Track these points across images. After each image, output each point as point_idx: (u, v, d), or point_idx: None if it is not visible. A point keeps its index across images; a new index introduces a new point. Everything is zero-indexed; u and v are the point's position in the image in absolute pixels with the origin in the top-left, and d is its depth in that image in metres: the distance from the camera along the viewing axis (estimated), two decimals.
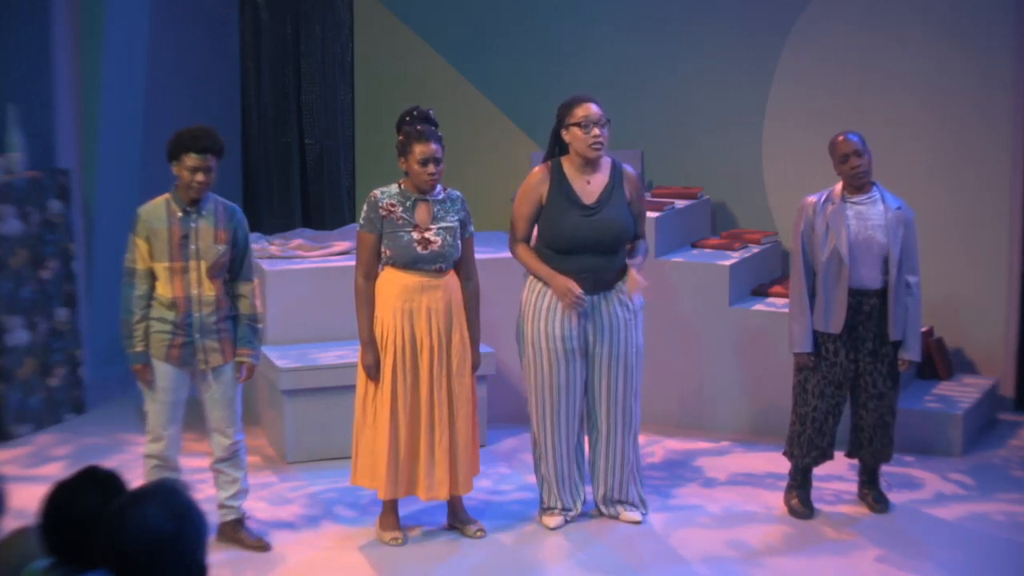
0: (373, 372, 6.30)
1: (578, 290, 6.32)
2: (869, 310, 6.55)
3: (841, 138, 6.58)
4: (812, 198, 6.62)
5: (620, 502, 6.65)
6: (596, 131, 6.35)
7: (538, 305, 6.42)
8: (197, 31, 9.45)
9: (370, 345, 6.30)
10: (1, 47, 8.21)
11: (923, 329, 8.07)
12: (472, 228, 6.45)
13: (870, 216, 6.54)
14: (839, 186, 6.60)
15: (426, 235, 6.26)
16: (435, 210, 6.31)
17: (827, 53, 8.48)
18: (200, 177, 6.09)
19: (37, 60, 8.24)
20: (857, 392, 6.66)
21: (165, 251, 6.11)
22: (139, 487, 3.25)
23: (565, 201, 6.39)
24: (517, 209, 6.47)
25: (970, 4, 8.16)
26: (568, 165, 6.45)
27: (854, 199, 6.56)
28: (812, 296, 6.58)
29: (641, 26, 8.91)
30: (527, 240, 6.49)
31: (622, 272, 6.48)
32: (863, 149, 6.52)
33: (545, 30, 9.14)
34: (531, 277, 6.47)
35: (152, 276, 6.15)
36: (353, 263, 7.89)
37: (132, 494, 3.17)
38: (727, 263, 7.98)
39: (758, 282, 8.23)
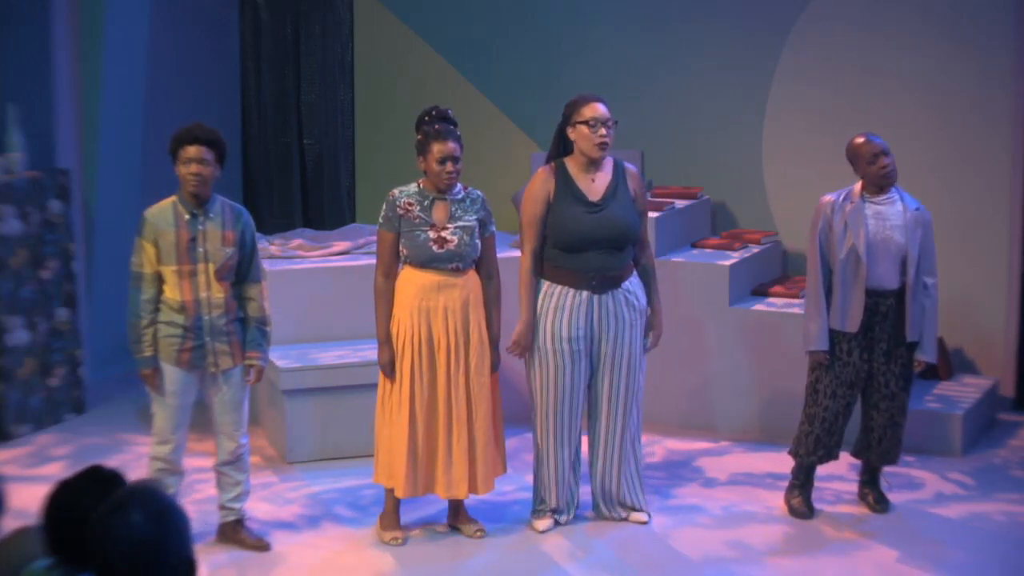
0: (388, 371, 6.31)
1: (522, 348, 6.39)
2: (885, 311, 6.53)
3: (863, 140, 6.54)
4: (830, 197, 6.60)
5: (622, 503, 6.65)
6: (603, 131, 6.36)
7: (545, 305, 6.42)
8: (197, 31, 9.45)
9: (386, 344, 6.32)
10: (1, 47, 8.21)
11: None
12: (493, 227, 6.45)
13: (889, 216, 6.52)
14: (858, 186, 6.57)
15: (442, 234, 6.27)
16: (453, 209, 6.32)
17: (827, 53, 8.48)
18: (194, 168, 6.05)
19: (37, 60, 8.24)
20: (869, 393, 6.65)
21: (173, 254, 6.08)
22: (116, 494, 3.23)
23: (571, 199, 6.39)
24: (525, 214, 6.46)
25: (970, 4, 8.16)
26: (572, 165, 6.46)
27: (874, 199, 6.54)
28: (828, 295, 6.57)
29: (641, 26, 8.92)
30: (538, 250, 6.44)
31: (630, 269, 6.49)
32: (888, 149, 6.51)
33: (545, 30, 9.14)
34: (541, 280, 6.46)
35: (159, 279, 6.11)
36: (353, 263, 7.97)
37: (111, 502, 3.17)
38: (727, 263, 7.98)
39: (758, 282, 8.23)
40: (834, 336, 6.56)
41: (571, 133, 6.42)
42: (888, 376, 6.59)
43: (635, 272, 6.53)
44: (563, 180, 6.42)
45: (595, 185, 6.44)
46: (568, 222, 6.37)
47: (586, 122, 6.35)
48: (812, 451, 6.67)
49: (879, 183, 6.51)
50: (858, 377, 6.59)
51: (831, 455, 6.70)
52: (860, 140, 6.55)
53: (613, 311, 6.42)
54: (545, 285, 6.43)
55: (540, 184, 6.44)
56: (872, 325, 6.54)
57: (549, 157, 6.54)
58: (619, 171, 6.50)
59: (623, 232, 6.41)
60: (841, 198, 6.56)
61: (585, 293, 6.39)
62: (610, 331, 6.43)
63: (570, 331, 6.39)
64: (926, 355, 6.60)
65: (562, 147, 6.49)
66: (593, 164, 6.44)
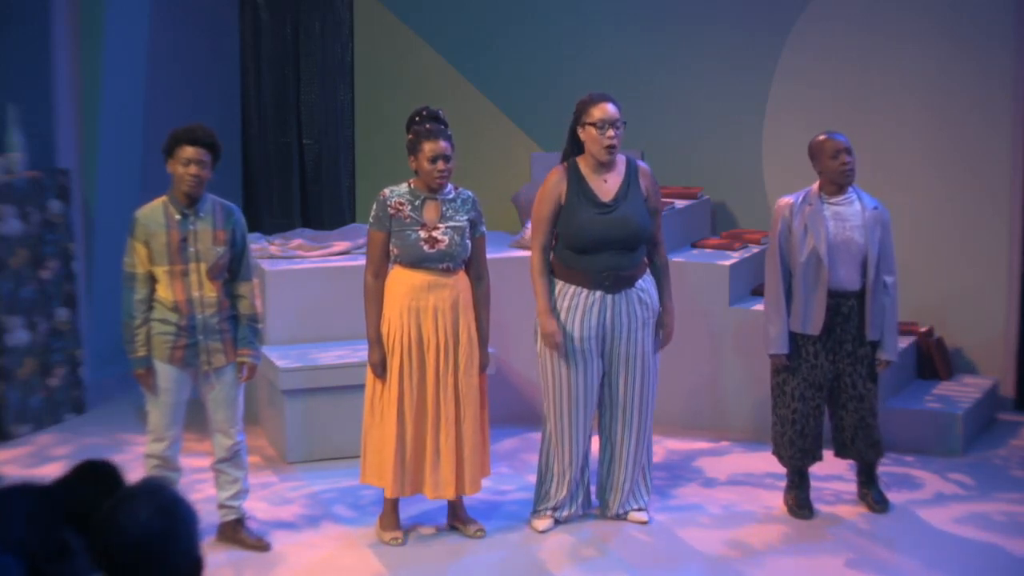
0: (379, 370, 6.31)
1: (558, 339, 6.34)
2: (847, 311, 6.53)
3: (825, 137, 6.56)
4: (788, 199, 6.61)
5: (625, 503, 6.64)
6: (611, 133, 6.34)
7: (558, 305, 6.42)
8: (197, 31, 9.45)
9: (376, 344, 6.31)
10: (1, 47, 8.21)
11: (923, 329, 8.11)
12: (484, 228, 6.45)
13: (848, 216, 6.53)
14: (816, 186, 6.58)
15: (433, 234, 6.27)
16: (444, 209, 6.32)
17: (827, 53, 8.48)
18: (192, 169, 6.05)
19: (37, 60, 8.24)
20: (837, 393, 6.65)
21: (164, 254, 6.09)
22: (124, 489, 3.23)
23: (583, 200, 6.39)
24: (536, 212, 6.47)
25: (970, 4, 8.16)
26: (584, 165, 6.45)
27: (832, 200, 6.55)
28: (788, 297, 6.57)
29: (641, 26, 8.91)
30: (547, 247, 6.47)
31: (643, 268, 6.49)
32: (851, 148, 6.52)
33: (545, 30, 9.14)
34: (552, 277, 6.46)
35: (152, 279, 6.12)
36: (353, 263, 7.96)
37: (119, 497, 3.16)
38: (727, 263, 7.98)
39: (758, 282, 8.21)
40: (798, 339, 6.55)
41: (581, 133, 6.43)
42: (855, 377, 6.59)
43: (648, 271, 6.53)
44: (575, 181, 6.43)
45: (607, 185, 6.44)
46: (580, 223, 6.37)
47: (594, 124, 6.35)
48: (792, 454, 6.67)
49: (839, 180, 6.51)
50: (825, 379, 6.59)
51: (812, 456, 6.69)
52: (823, 137, 6.57)
53: (626, 310, 6.42)
54: (558, 285, 6.44)
55: (552, 185, 6.44)
56: (834, 327, 6.54)
57: (563, 155, 6.54)
58: (631, 170, 6.50)
59: (635, 232, 6.41)
60: (799, 200, 6.56)
61: (598, 293, 6.39)
62: (623, 330, 6.42)
63: (582, 330, 6.39)
64: (888, 353, 6.61)
65: (575, 146, 6.49)
66: (604, 164, 6.44)
